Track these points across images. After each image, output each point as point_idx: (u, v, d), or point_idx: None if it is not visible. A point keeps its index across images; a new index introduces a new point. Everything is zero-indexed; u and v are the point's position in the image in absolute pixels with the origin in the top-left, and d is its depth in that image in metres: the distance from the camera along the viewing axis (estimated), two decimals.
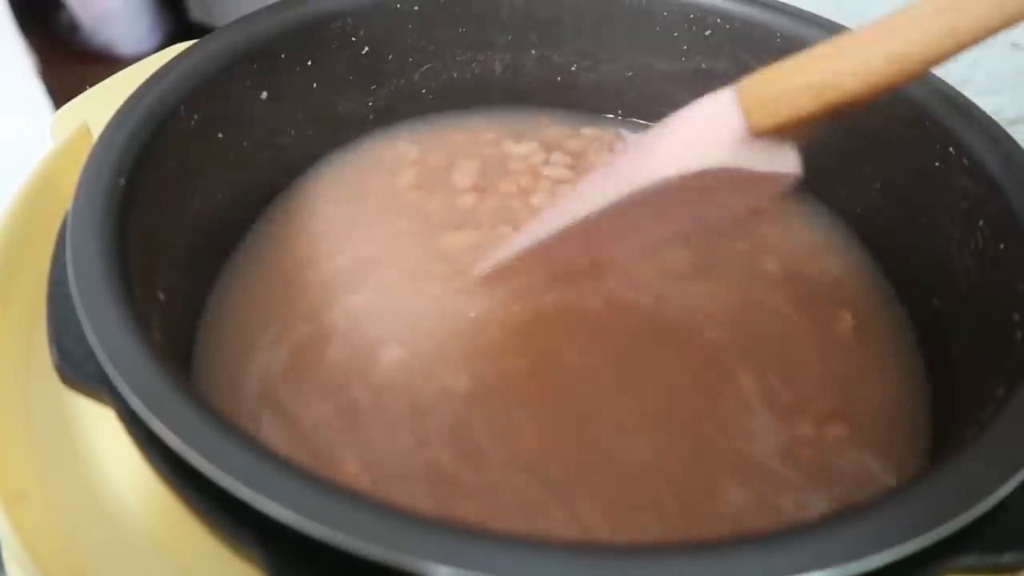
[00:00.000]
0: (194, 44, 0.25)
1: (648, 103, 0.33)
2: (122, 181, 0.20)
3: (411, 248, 0.27)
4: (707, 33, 0.31)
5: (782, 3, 0.30)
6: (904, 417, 0.24)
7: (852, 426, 0.23)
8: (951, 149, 0.25)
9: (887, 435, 0.23)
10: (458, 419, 0.22)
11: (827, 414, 0.24)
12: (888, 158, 0.28)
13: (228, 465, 0.14)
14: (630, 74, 0.33)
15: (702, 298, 0.27)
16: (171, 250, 0.23)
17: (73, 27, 1.13)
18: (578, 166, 0.31)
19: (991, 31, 0.15)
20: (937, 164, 0.25)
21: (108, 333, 0.16)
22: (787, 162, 0.18)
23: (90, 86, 0.28)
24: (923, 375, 0.25)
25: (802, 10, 0.30)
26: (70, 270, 0.17)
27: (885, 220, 0.28)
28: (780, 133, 0.17)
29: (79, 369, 0.17)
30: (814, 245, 0.30)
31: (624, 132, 0.34)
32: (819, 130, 0.18)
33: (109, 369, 0.15)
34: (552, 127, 0.33)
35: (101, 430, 0.18)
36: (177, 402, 0.15)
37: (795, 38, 0.29)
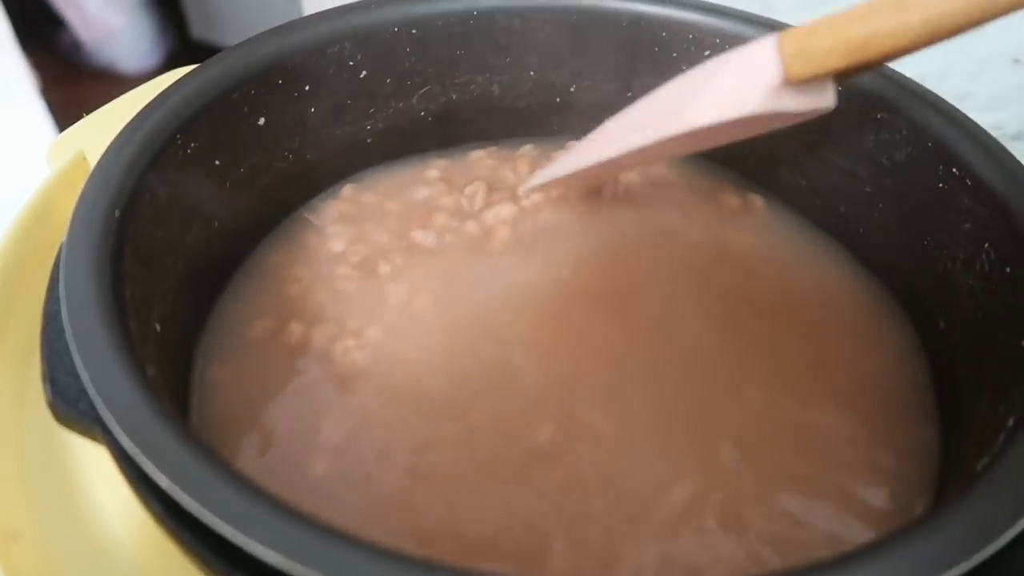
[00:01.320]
0: (190, 71, 0.25)
1: None
2: (117, 212, 0.20)
3: (415, 275, 0.27)
4: (707, 53, 0.31)
5: (782, 23, 0.30)
6: (913, 441, 0.23)
7: (858, 447, 0.23)
8: (954, 170, 0.25)
9: (895, 459, 0.23)
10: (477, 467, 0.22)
11: (831, 436, 0.23)
12: (891, 179, 0.28)
13: (220, 508, 0.14)
14: (629, 94, 0.33)
15: (701, 323, 0.27)
16: (168, 279, 0.23)
17: (75, 46, 1.14)
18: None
19: None
20: (940, 185, 0.25)
21: (101, 371, 0.16)
22: (822, 100, 0.20)
23: (92, 105, 0.28)
24: (933, 397, 0.25)
25: None
26: (63, 305, 0.17)
27: (888, 242, 0.28)
28: (815, 79, 0.19)
29: (73, 407, 0.16)
30: (815, 265, 0.30)
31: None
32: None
33: (101, 408, 0.15)
34: (551, 153, 0.33)
35: (96, 468, 0.18)
36: (169, 442, 0.15)
37: None
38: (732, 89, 0.19)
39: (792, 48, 0.19)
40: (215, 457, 0.15)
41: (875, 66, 0.18)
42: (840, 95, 0.28)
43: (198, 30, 1.16)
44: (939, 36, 0.17)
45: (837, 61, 0.18)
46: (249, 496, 0.14)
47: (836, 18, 0.18)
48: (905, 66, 0.28)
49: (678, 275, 0.28)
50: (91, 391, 0.15)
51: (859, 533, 0.21)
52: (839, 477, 0.22)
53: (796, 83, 0.19)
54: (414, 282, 0.27)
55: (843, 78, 0.19)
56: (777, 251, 0.30)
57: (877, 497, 0.22)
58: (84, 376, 0.16)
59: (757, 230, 0.31)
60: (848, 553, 0.14)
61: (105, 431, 0.16)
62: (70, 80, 1.11)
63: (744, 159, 0.32)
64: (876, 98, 0.27)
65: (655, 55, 0.32)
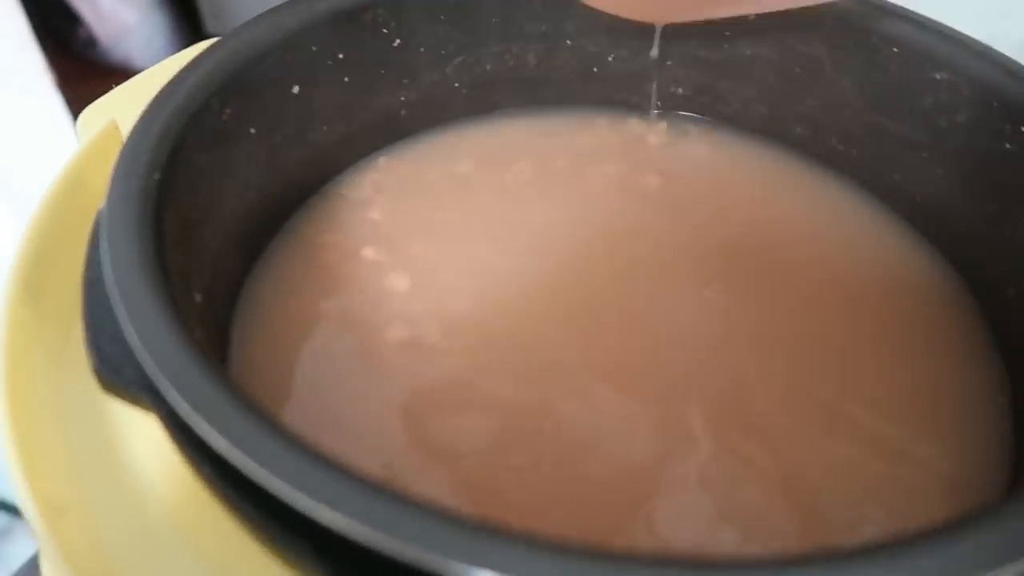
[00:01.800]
0: (222, 37, 0.24)
1: (689, 93, 0.32)
2: (157, 175, 0.19)
3: (451, 247, 0.26)
4: (751, 17, 0.30)
5: None
6: (983, 415, 0.22)
7: (925, 426, 0.22)
8: None
9: (965, 435, 0.22)
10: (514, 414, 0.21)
11: (895, 415, 0.22)
12: (950, 141, 0.26)
13: (280, 469, 0.13)
14: (669, 62, 0.32)
15: (754, 298, 0.26)
16: (206, 250, 0.22)
17: (91, 42, 1.14)
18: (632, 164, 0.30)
19: None
20: (1008, 146, 0.24)
21: (151, 332, 0.15)
22: None
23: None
24: (1002, 368, 0.23)
25: None
26: (107, 268, 0.16)
27: (949, 210, 0.27)
28: None
29: (118, 373, 0.16)
30: (868, 237, 0.28)
31: (666, 126, 0.33)
32: None
33: (152, 370, 0.14)
34: (594, 126, 0.32)
35: (140, 437, 0.17)
36: (227, 404, 0.14)
37: (845, 20, 0.28)
38: None
39: None
40: (271, 418, 0.14)
41: None
42: (895, 56, 0.27)
43: (212, 25, 1.15)
44: None
45: None
46: (310, 457, 0.13)
47: None
48: None
49: (724, 251, 0.27)
50: (142, 355, 0.15)
51: (925, 511, 0.20)
52: (908, 450, 0.21)
53: None
54: (451, 254, 0.26)
55: None
56: (829, 224, 0.29)
57: (946, 472, 0.21)
58: (134, 340, 0.15)
59: (806, 204, 0.30)
60: (916, 532, 0.13)
61: (154, 395, 0.15)
62: (85, 76, 1.11)
63: (790, 129, 0.31)
64: (934, 57, 0.26)
65: (696, 21, 0.30)
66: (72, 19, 1.12)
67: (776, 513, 0.20)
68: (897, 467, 0.21)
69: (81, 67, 1.13)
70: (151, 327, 0.15)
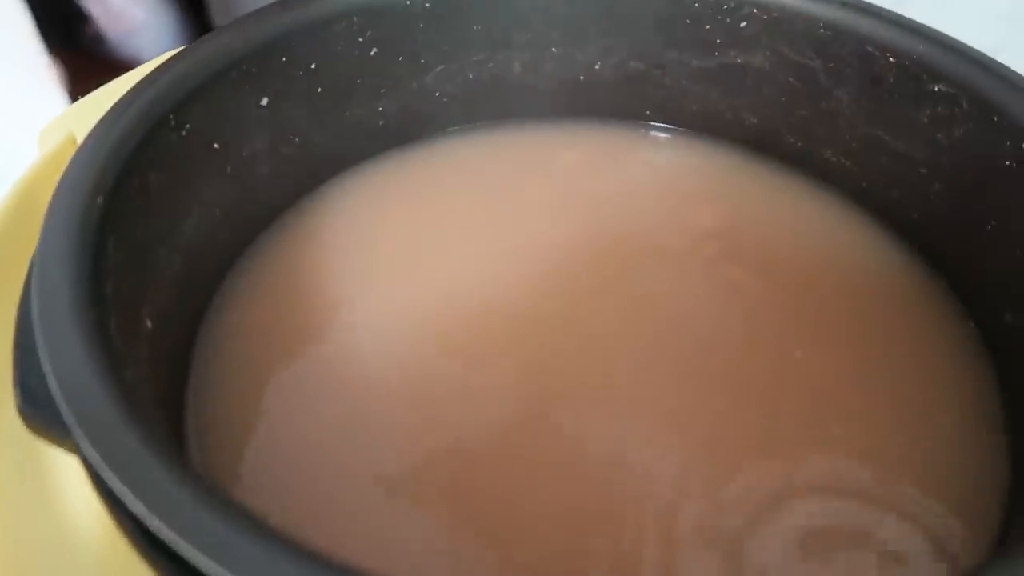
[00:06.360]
0: (185, 48, 0.23)
1: (678, 102, 0.31)
2: (100, 199, 0.18)
3: (425, 264, 0.25)
4: (742, 25, 0.28)
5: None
6: (979, 449, 0.21)
7: (918, 454, 0.21)
8: None
9: (958, 470, 0.21)
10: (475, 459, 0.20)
11: (888, 443, 0.21)
12: (948, 157, 0.25)
13: (197, 537, 0.12)
14: (658, 72, 0.31)
15: (742, 314, 0.25)
16: (162, 273, 0.21)
17: (98, 39, 1.13)
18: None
19: None
20: (1008, 163, 0.23)
21: (69, 372, 0.14)
22: None
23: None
24: (998, 396, 0.22)
25: None
26: (34, 300, 0.15)
27: (947, 229, 0.25)
28: None
29: (42, 412, 0.15)
30: (862, 254, 0.27)
31: (653, 135, 0.31)
32: None
33: (66, 413, 0.13)
34: (577, 137, 0.31)
35: (70, 478, 0.16)
36: (145, 461, 0.13)
37: (841, 29, 0.27)
38: None
39: None
40: (193, 476, 0.13)
41: None
42: (892, 66, 0.26)
43: (220, 21, 1.15)
44: None
45: None
46: (232, 523, 0.12)
47: None
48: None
49: (715, 265, 0.26)
50: (56, 394, 0.14)
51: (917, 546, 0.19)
52: (899, 488, 0.20)
53: None
54: (426, 272, 0.25)
55: None
56: (822, 239, 0.28)
57: (938, 506, 0.20)
58: (50, 377, 0.14)
59: (799, 218, 0.29)
60: None
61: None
62: (93, 73, 1.11)
63: (783, 141, 0.30)
64: (932, 68, 0.25)
65: (686, 28, 0.29)
66: (80, 16, 1.13)
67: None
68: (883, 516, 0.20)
69: (89, 64, 1.13)
70: (70, 366, 0.14)
